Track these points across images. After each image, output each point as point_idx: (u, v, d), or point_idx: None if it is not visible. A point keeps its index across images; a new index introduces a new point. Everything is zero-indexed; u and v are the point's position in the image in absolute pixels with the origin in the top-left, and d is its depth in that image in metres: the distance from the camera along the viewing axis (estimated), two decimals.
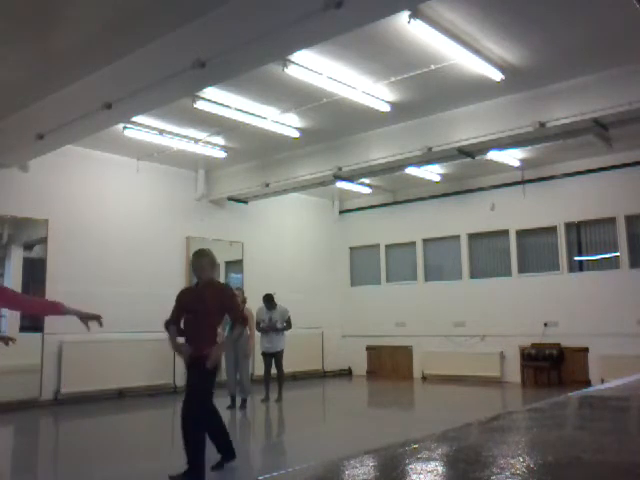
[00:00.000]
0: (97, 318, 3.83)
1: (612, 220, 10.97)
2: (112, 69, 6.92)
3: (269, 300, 9.76)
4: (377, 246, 14.02)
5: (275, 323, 9.58)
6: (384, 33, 6.45)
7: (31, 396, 9.09)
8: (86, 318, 3.81)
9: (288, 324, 9.74)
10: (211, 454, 5.16)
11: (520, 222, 11.95)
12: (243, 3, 5.59)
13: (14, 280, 9.61)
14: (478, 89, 8.09)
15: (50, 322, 9.34)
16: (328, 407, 10.79)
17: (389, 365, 13.42)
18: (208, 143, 10.19)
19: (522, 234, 12.04)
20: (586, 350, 10.81)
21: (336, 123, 9.36)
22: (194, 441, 4.94)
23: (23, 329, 9.30)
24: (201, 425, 5.04)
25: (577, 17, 6.35)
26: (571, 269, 11.47)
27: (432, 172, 11.78)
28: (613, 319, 10.44)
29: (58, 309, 3.77)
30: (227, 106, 8.40)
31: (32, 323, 9.42)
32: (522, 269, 11.97)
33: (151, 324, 9.22)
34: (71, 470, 5.77)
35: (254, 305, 9.64)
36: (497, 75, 7.47)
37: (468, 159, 10.11)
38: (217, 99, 8.21)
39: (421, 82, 7.74)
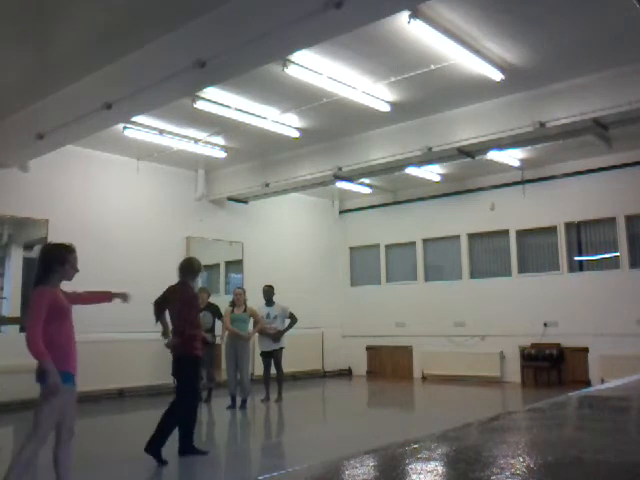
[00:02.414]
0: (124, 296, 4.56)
1: (612, 220, 10.96)
2: (112, 69, 6.91)
3: (269, 292, 9.76)
4: (377, 246, 14.01)
5: (274, 319, 9.56)
6: (384, 33, 6.44)
7: (31, 396, 9.06)
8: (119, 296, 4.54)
9: (292, 318, 9.72)
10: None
11: (520, 222, 11.94)
12: (243, 3, 5.59)
13: (14, 280, 9.61)
14: (478, 89, 8.09)
15: None
16: (328, 407, 10.78)
17: (389, 365, 13.42)
18: (208, 143, 10.19)
19: (522, 234, 12.03)
20: (586, 350, 10.81)
21: (336, 123, 9.35)
22: None
23: (23, 329, 9.29)
24: None
25: (577, 17, 6.35)
26: (571, 269, 11.47)
27: (432, 172, 11.77)
28: (613, 319, 10.44)
29: (109, 297, 4.53)
30: (227, 106, 8.40)
31: None
32: (522, 269, 11.97)
33: (151, 324, 9.19)
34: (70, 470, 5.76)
35: (254, 304, 9.64)
36: (497, 75, 7.47)
37: (468, 159, 10.10)
38: (217, 99, 8.21)
39: (421, 82, 7.74)
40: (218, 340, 9.56)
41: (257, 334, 9.68)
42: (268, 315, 9.60)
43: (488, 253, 12.63)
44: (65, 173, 10.02)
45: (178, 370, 6.05)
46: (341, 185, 12.12)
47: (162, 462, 5.54)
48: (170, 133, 9.64)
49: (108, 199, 10.54)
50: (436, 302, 12.68)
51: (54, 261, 3.93)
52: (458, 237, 12.74)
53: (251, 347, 9.71)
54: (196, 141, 10.01)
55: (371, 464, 1.83)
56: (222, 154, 10.58)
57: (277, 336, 9.52)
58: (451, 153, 9.86)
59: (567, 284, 11.27)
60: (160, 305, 6.11)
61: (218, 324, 9.54)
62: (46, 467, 5.53)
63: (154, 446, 5.60)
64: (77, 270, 4.07)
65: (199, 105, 8.18)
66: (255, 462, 6.37)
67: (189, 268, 6.18)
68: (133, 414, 9.31)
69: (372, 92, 8.13)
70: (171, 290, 6.16)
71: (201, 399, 9.55)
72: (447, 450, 1.99)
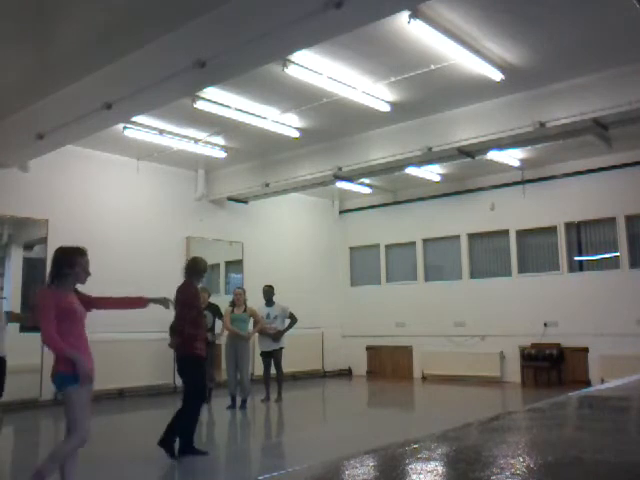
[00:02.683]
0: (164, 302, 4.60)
1: (612, 220, 10.96)
2: (112, 69, 6.92)
3: (269, 292, 9.76)
4: (377, 246, 14.01)
5: (274, 319, 9.56)
6: (384, 33, 6.44)
7: (31, 396, 9.08)
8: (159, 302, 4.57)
9: (292, 318, 9.73)
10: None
11: (520, 222, 11.94)
12: (243, 3, 5.59)
13: (14, 280, 9.60)
14: (478, 89, 8.08)
15: None
16: (328, 407, 10.78)
17: (389, 365, 13.41)
18: (208, 143, 10.19)
19: (522, 234, 12.03)
20: (586, 350, 10.81)
21: (336, 123, 9.35)
22: None
23: (23, 329, 9.30)
24: None
25: (577, 17, 6.35)
26: (571, 269, 11.47)
27: (432, 172, 11.77)
28: (613, 319, 10.44)
29: (143, 303, 4.50)
30: (227, 106, 8.40)
31: (32, 323, 9.40)
32: (522, 269, 11.97)
33: (151, 324, 9.23)
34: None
35: (254, 304, 9.64)
36: (497, 75, 7.47)
37: (468, 159, 10.10)
38: (217, 99, 8.21)
39: (421, 82, 7.73)
40: (219, 340, 9.57)
41: (257, 334, 9.69)
42: (268, 315, 9.60)
43: (488, 253, 12.63)
44: (65, 173, 10.02)
45: (181, 370, 6.10)
46: (341, 185, 12.12)
47: (173, 456, 5.67)
48: (170, 133, 9.64)
49: (108, 199, 10.53)
50: (436, 302, 12.68)
51: (64, 264, 4.00)
52: (458, 237, 12.74)
53: (251, 347, 9.71)
54: (196, 141, 10.00)
55: (371, 464, 1.83)
56: (222, 154, 10.58)
57: (277, 336, 9.52)
58: (451, 153, 9.85)
59: (567, 284, 11.26)
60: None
61: (218, 324, 9.54)
62: None
63: (166, 442, 5.75)
64: (88, 273, 4.12)
65: (199, 105, 8.17)
66: (255, 462, 6.37)
67: (194, 268, 6.20)
68: (133, 414, 9.30)
69: (372, 92, 8.13)
70: (177, 289, 6.21)
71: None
72: (447, 450, 1.99)
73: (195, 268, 6.18)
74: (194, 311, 6.04)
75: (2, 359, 5.94)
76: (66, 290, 4.00)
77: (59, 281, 3.96)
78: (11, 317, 6.31)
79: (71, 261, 4.01)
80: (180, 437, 5.86)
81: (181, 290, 6.14)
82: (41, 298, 3.91)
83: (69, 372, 3.92)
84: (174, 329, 6.09)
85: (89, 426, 3.96)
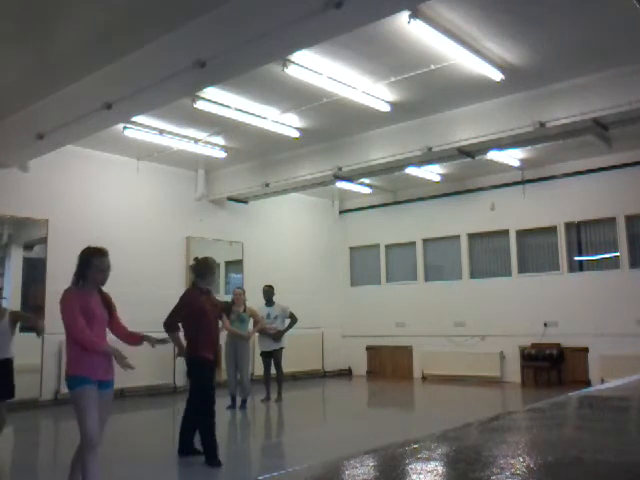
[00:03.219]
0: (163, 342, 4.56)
1: (612, 220, 10.96)
2: (112, 69, 6.92)
3: (269, 292, 9.77)
4: (377, 246, 14.01)
5: (274, 319, 9.57)
6: (384, 33, 6.45)
7: (31, 396, 9.07)
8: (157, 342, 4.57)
9: (292, 318, 9.73)
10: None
11: (520, 222, 11.94)
12: (243, 3, 5.59)
13: (14, 280, 9.60)
14: (478, 89, 8.09)
15: (50, 322, 9.32)
16: (328, 407, 10.78)
17: (389, 365, 13.42)
18: (208, 143, 10.19)
19: (522, 234, 12.03)
20: (586, 350, 10.81)
21: (336, 123, 9.35)
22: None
23: (23, 329, 9.30)
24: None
25: (577, 17, 6.35)
26: (571, 269, 11.47)
27: (432, 172, 11.77)
28: (613, 319, 10.44)
29: (139, 339, 4.58)
30: (227, 106, 8.40)
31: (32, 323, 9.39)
32: (522, 269, 11.97)
33: (151, 324, 9.18)
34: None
35: (254, 304, 9.64)
36: (497, 75, 7.47)
37: (468, 159, 10.10)
38: (217, 99, 8.21)
39: (421, 82, 7.73)
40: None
41: (257, 334, 9.69)
42: (268, 315, 9.60)
43: (488, 253, 12.63)
44: (65, 173, 10.02)
45: (187, 372, 6.05)
46: (341, 185, 12.12)
47: (199, 453, 5.63)
48: (170, 133, 9.64)
49: (108, 199, 10.54)
50: (436, 302, 12.68)
51: (82, 265, 4.08)
52: (458, 237, 12.74)
53: (251, 347, 9.71)
54: (196, 141, 10.01)
55: (371, 464, 1.83)
56: (222, 154, 10.58)
57: (277, 336, 9.52)
58: (451, 153, 9.85)
59: (567, 284, 11.26)
60: None
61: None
62: (46, 466, 5.53)
63: (183, 447, 5.77)
64: (103, 275, 4.10)
65: (199, 105, 8.17)
66: (255, 462, 6.37)
67: (197, 269, 6.05)
68: (133, 414, 9.30)
69: (372, 92, 8.13)
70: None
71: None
72: (447, 450, 2.00)
73: (199, 269, 6.00)
74: (193, 313, 5.85)
75: (10, 360, 5.98)
76: (88, 290, 4.06)
77: (83, 281, 4.06)
78: (15, 317, 6.31)
79: (86, 262, 4.07)
80: (180, 437, 5.86)
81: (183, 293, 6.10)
82: (61, 301, 3.98)
83: (77, 374, 3.94)
84: (168, 325, 6.02)
85: (98, 428, 3.86)
